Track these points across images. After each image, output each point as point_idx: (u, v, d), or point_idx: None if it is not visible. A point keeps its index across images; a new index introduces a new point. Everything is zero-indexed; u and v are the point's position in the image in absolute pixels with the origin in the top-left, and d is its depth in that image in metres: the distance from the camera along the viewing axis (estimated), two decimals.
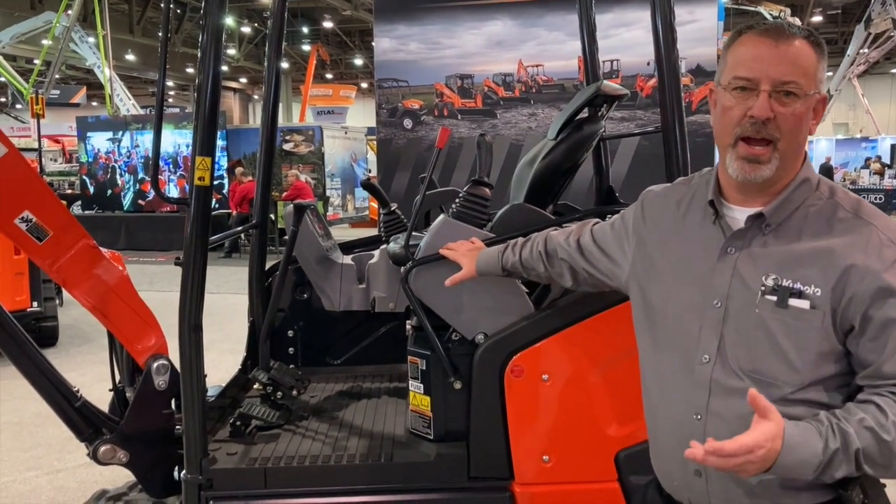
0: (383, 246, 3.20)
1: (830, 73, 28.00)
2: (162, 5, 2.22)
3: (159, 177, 2.52)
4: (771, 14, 22.90)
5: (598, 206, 3.23)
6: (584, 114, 2.92)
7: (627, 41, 8.45)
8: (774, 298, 1.49)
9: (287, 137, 17.22)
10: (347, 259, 3.25)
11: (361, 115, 36.04)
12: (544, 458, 2.39)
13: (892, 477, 1.47)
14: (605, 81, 2.96)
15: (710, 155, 9.54)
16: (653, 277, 1.73)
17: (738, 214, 1.60)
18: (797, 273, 1.49)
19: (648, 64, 9.08)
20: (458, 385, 2.46)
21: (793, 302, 1.48)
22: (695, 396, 1.57)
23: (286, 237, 2.97)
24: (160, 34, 2.33)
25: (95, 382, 2.89)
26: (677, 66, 2.51)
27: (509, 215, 2.67)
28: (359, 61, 36.48)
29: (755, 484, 1.51)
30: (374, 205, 19.22)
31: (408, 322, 2.77)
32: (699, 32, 8.62)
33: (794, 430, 1.40)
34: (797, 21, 22.37)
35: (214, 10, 2.28)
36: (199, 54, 2.29)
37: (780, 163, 1.51)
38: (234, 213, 14.93)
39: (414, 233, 2.67)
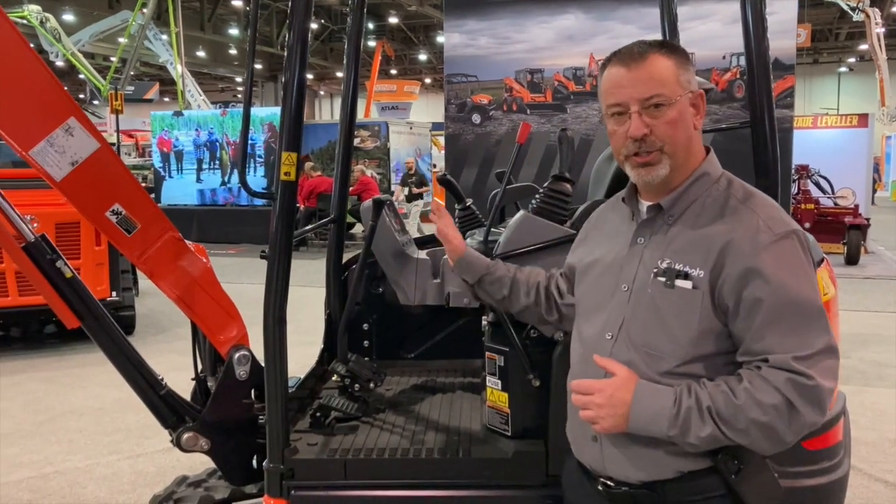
0: None
1: None
2: (241, 4, 2.27)
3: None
4: (848, 5, 22.13)
5: None
6: None
7: (702, 34, 8.24)
8: (664, 279, 1.65)
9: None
10: (422, 254, 3.27)
11: (425, 110, 36.19)
12: None
13: (755, 447, 1.57)
14: None
15: (788, 149, 9.30)
16: (582, 270, 1.91)
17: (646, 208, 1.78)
18: (686, 257, 1.64)
19: (724, 57, 8.89)
20: (536, 383, 2.45)
21: (678, 283, 1.63)
22: (597, 370, 1.68)
23: (351, 231, 3.00)
24: (249, 31, 2.38)
25: (171, 371, 2.97)
26: (768, 58, 2.45)
27: (591, 212, 2.63)
28: (423, 56, 36.64)
29: (641, 449, 1.66)
30: (439, 200, 19.30)
31: (483, 318, 2.77)
32: (778, 25, 8.35)
33: (645, 385, 1.61)
34: (876, 11, 21.61)
35: (301, 12, 2.32)
36: (285, 53, 2.34)
37: (671, 161, 1.67)
38: (302, 206, 15.15)
39: (492, 228, 2.67)
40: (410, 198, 17.04)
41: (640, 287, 1.70)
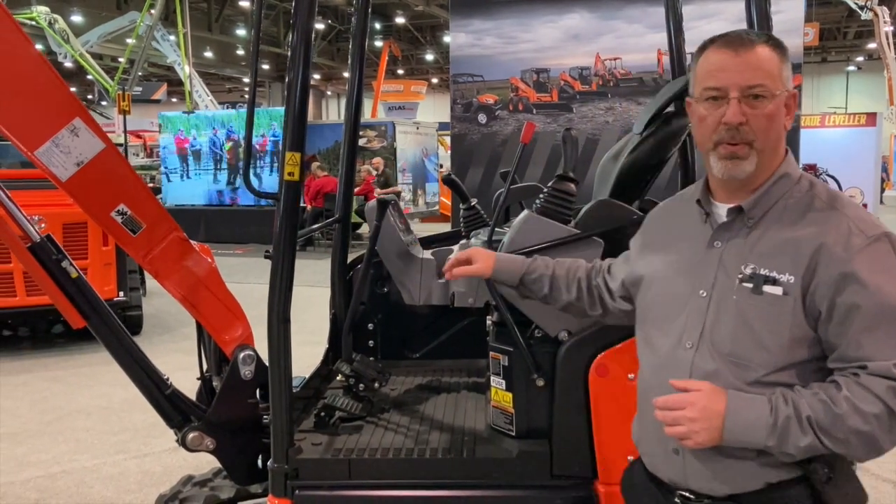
0: (463, 241, 3.20)
1: None
2: (248, 4, 2.27)
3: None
4: (857, 4, 22.05)
5: None
6: (671, 108, 2.86)
7: (708, 33, 8.17)
8: (750, 286, 1.58)
9: (360, 133, 17.35)
10: (427, 254, 3.27)
11: (432, 110, 36.18)
12: (629, 458, 2.35)
13: (853, 455, 1.53)
14: None
15: (795, 148, 9.25)
16: (649, 276, 1.82)
17: (724, 211, 1.69)
18: (773, 262, 1.58)
19: None
20: (540, 382, 2.44)
21: (767, 289, 1.56)
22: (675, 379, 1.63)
23: (357, 231, 3.01)
24: (252, 32, 2.39)
25: (177, 370, 2.98)
26: None
27: (595, 211, 2.63)
28: (430, 56, 36.64)
29: (727, 461, 1.59)
30: (445, 200, 19.30)
31: (488, 318, 2.77)
32: (784, 24, 8.34)
33: (736, 395, 1.54)
34: (885, 10, 21.53)
35: (304, 12, 2.32)
36: (289, 54, 2.35)
37: (758, 158, 1.61)
38: (309, 207, 15.15)
39: (496, 228, 2.67)
40: None
41: (722, 293, 1.63)
